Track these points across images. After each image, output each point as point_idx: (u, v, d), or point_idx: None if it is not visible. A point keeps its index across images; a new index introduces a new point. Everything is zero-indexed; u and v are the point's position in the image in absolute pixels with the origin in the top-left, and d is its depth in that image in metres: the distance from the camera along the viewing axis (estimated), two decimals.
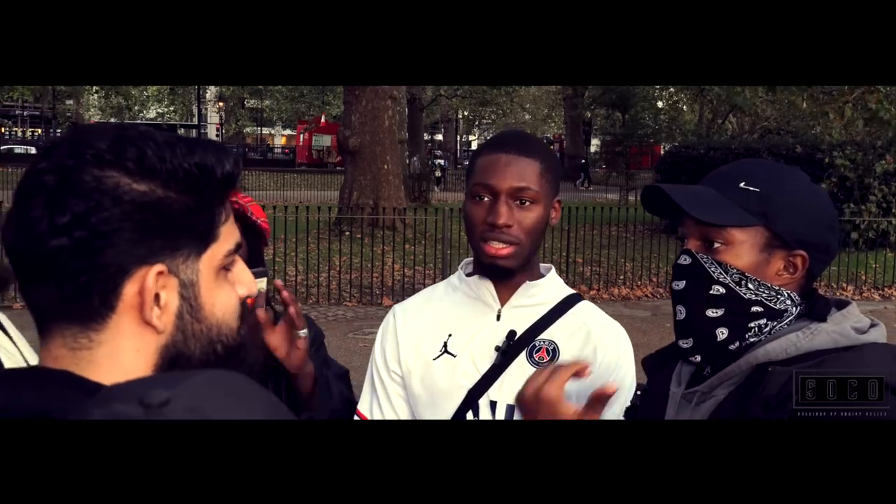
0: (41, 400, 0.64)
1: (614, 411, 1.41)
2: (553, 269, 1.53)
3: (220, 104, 45.34)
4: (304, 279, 9.66)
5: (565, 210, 9.51)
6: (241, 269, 0.78)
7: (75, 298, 0.68)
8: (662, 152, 22.77)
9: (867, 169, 12.28)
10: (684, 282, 1.14)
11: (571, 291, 1.53)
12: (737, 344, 1.12)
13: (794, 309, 1.12)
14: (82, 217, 0.66)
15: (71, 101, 44.54)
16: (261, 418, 0.57)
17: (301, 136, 41.39)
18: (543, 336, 1.45)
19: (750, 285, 1.10)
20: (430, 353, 1.49)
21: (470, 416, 1.44)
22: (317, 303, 8.96)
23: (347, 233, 11.59)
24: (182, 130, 38.33)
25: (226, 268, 0.75)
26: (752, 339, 1.12)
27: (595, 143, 41.13)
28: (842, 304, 1.13)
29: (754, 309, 1.11)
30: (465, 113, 43.56)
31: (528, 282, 1.47)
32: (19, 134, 50.17)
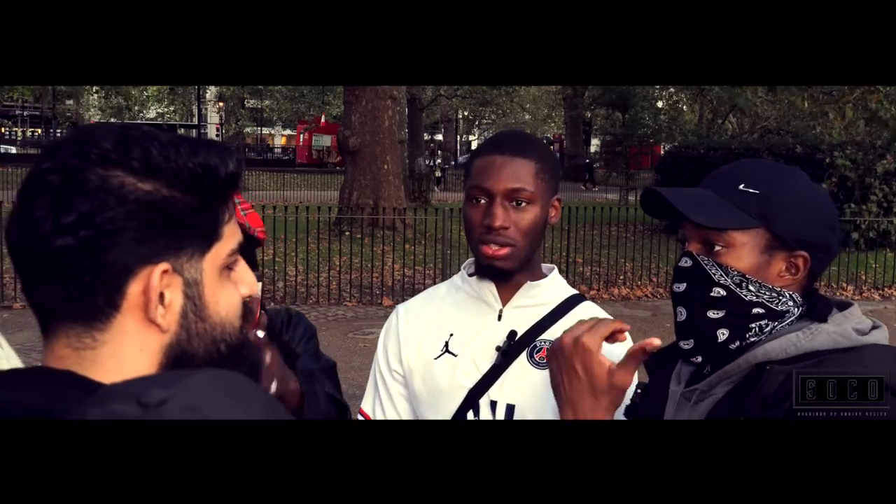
0: (43, 400, 0.64)
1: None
2: (555, 270, 1.53)
3: (220, 104, 45.29)
4: (304, 279, 9.65)
5: (565, 210, 9.51)
6: (243, 268, 0.78)
7: (80, 298, 0.68)
8: (662, 152, 22.76)
9: (868, 169, 12.28)
10: (685, 284, 1.14)
11: (574, 292, 1.53)
12: (737, 343, 1.12)
13: (796, 310, 1.12)
14: (87, 216, 0.66)
15: (71, 101, 44.50)
16: (259, 418, 0.57)
17: (301, 136, 41.39)
18: (544, 336, 1.45)
19: (751, 287, 1.10)
20: (432, 352, 1.49)
21: (470, 415, 1.44)
22: (317, 303, 8.96)
23: (347, 233, 11.59)
24: (182, 130, 38.31)
25: (228, 267, 0.75)
26: (752, 339, 1.12)
27: (595, 143, 41.13)
28: (844, 306, 1.13)
29: (755, 310, 1.11)
30: (465, 113, 43.55)
31: (529, 282, 1.47)
32: (19, 134, 50.17)
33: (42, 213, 0.66)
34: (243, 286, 0.77)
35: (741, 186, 1.11)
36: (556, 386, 1.11)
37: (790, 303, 1.12)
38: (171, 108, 44.75)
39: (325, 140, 37.93)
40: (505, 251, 1.39)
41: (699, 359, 1.16)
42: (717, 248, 1.11)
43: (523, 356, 1.44)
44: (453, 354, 1.47)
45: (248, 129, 47.16)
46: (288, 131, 52.78)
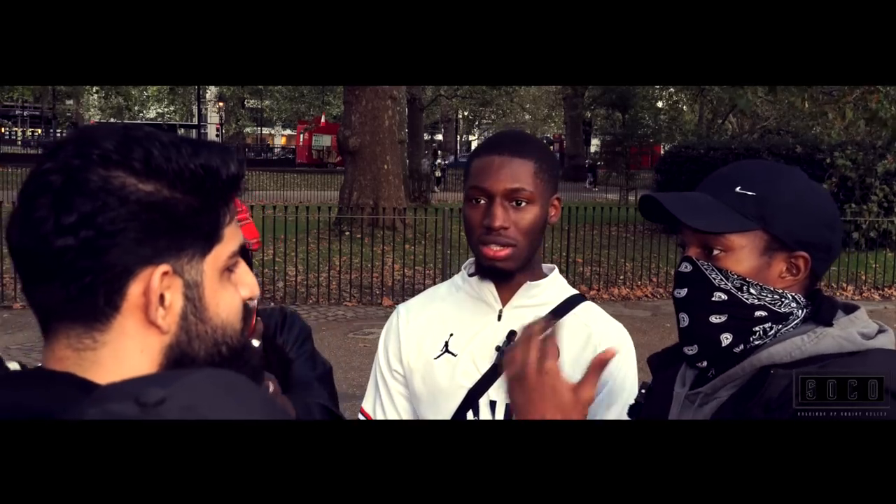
0: (43, 402, 0.64)
1: (616, 412, 1.41)
2: (556, 270, 1.53)
3: (220, 104, 45.31)
4: (304, 279, 9.65)
5: (565, 210, 9.51)
6: (243, 270, 0.78)
7: (80, 298, 0.68)
8: (662, 152, 22.76)
9: (868, 169, 12.28)
10: (686, 289, 1.14)
11: (574, 292, 1.53)
12: (741, 347, 1.12)
13: (800, 311, 1.12)
14: (88, 217, 0.66)
15: (71, 101, 44.51)
16: (258, 418, 0.57)
17: (301, 136, 41.38)
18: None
19: (752, 290, 1.10)
20: (432, 352, 1.50)
21: (470, 415, 1.44)
22: (317, 303, 8.96)
23: (347, 233, 11.59)
24: (182, 130, 38.32)
25: (229, 269, 0.75)
26: (756, 342, 1.12)
27: (595, 143, 41.11)
28: (850, 309, 1.12)
29: (758, 313, 1.10)
30: (465, 113, 43.56)
31: (529, 282, 1.47)
32: (19, 134, 50.16)
33: (43, 213, 0.66)
34: (244, 288, 0.77)
35: (738, 189, 1.11)
36: (525, 414, 1.10)
37: (793, 304, 1.11)
38: (171, 108, 44.76)
39: (325, 140, 37.93)
40: (505, 251, 1.39)
41: (704, 363, 1.16)
42: (716, 251, 1.11)
43: None
44: (453, 354, 1.48)
45: (248, 129, 47.19)
46: (288, 131, 52.78)
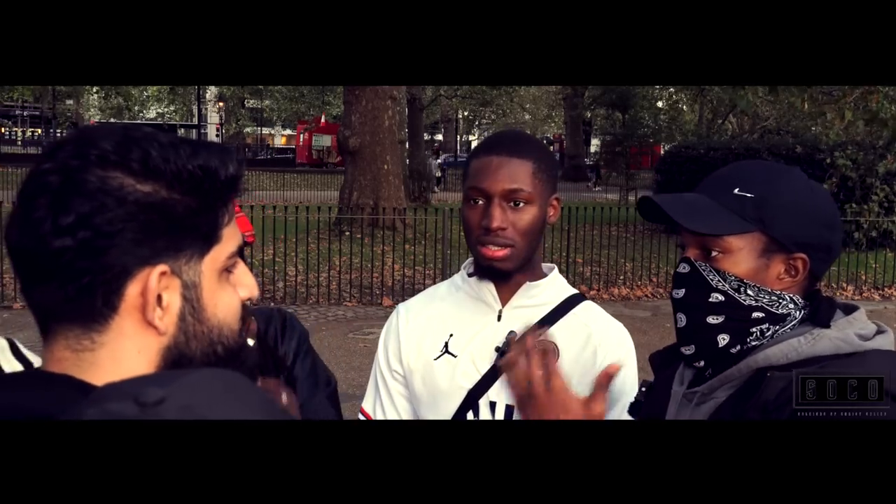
0: (42, 404, 0.64)
1: (616, 412, 1.41)
2: (556, 269, 1.53)
3: (220, 104, 45.33)
4: (304, 279, 9.65)
5: (565, 210, 9.51)
6: (242, 271, 0.78)
7: (78, 299, 0.68)
8: (662, 152, 22.76)
9: (868, 169, 12.28)
10: (684, 290, 1.14)
11: (574, 292, 1.53)
12: (738, 348, 1.12)
13: (798, 312, 1.12)
14: (86, 217, 0.66)
15: (71, 101, 44.51)
16: (257, 417, 0.57)
17: (301, 136, 41.38)
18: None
19: (749, 291, 1.10)
20: (432, 352, 1.49)
21: (470, 416, 1.44)
22: (317, 303, 8.96)
23: (347, 233, 11.59)
24: (182, 130, 38.33)
25: (228, 269, 0.75)
26: (753, 343, 1.11)
27: (595, 143, 41.10)
28: (849, 309, 1.12)
29: (755, 315, 1.10)
30: (465, 113, 43.55)
31: (528, 282, 1.47)
32: (19, 134, 50.16)
33: (41, 213, 0.66)
34: (243, 289, 0.77)
35: (736, 190, 1.11)
36: None
37: (791, 305, 1.11)
38: (171, 108, 44.76)
39: (325, 140, 37.93)
40: (504, 252, 1.39)
41: (701, 363, 1.16)
42: (715, 253, 1.11)
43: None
44: (453, 355, 1.47)
45: (248, 129, 47.18)
46: (288, 131, 52.78)
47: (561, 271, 1.58)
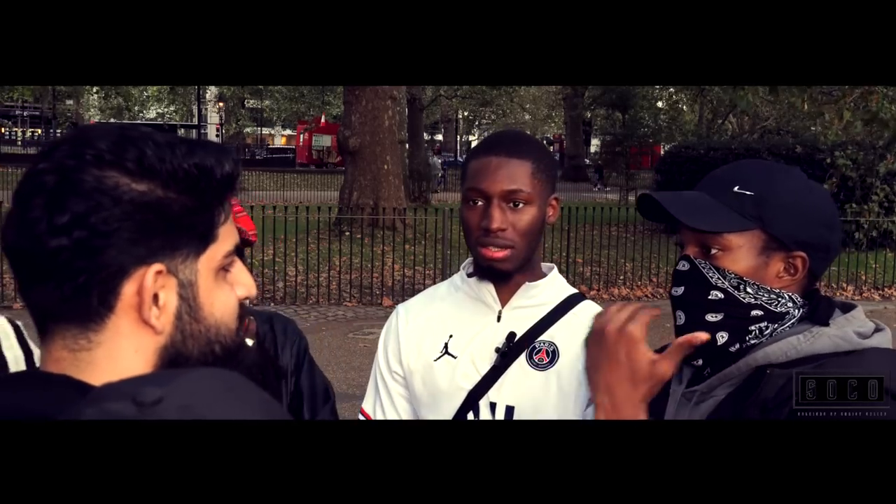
0: (40, 405, 0.64)
1: None
2: (555, 269, 1.53)
3: (220, 104, 45.30)
4: (304, 279, 9.65)
5: (565, 210, 9.51)
6: (239, 270, 0.78)
7: (75, 298, 0.68)
8: (662, 152, 22.76)
9: (869, 168, 12.28)
10: (683, 288, 1.14)
11: (573, 291, 1.53)
12: (737, 346, 1.12)
13: (797, 311, 1.12)
14: (82, 217, 0.66)
15: (71, 101, 44.51)
16: (256, 417, 0.57)
17: (301, 136, 41.36)
18: (543, 337, 1.45)
19: (749, 289, 1.10)
20: (432, 353, 1.49)
21: (470, 417, 1.44)
22: (317, 303, 8.96)
23: (347, 233, 11.59)
24: (182, 130, 38.32)
25: (224, 268, 0.75)
26: (752, 342, 1.12)
27: (595, 143, 41.11)
28: (847, 308, 1.12)
29: (754, 313, 1.10)
30: (465, 113, 43.55)
31: (528, 283, 1.47)
32: (19, 134, 50.15)
33: (37, 213, 0.66)
34: (240, 288, 0.77)
35: (736, 188, 1.11)
36: (594, 371, 1.12)
37: (789, 304, 1.11)
38: (172, 108, 44.76)
39: (325, 140, 37.92)
40: (504, 253, 1.39)
41: (700, 362, 1.16)
42: (714, 251, 1.11)
43: (522, 358, 1.44)
44: (453, 356, 1.47)
45: (248, 129, 47.16)
46: (288, 131, 52.78)
47: (561, 271, 1.57)
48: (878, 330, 1.10)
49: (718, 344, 1.11)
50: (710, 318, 1.11)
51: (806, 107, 8.41)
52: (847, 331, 1.08)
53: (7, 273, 8.61)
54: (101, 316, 0.69)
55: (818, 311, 1.11)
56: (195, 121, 42.23)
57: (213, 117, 47.95)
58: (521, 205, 1.39)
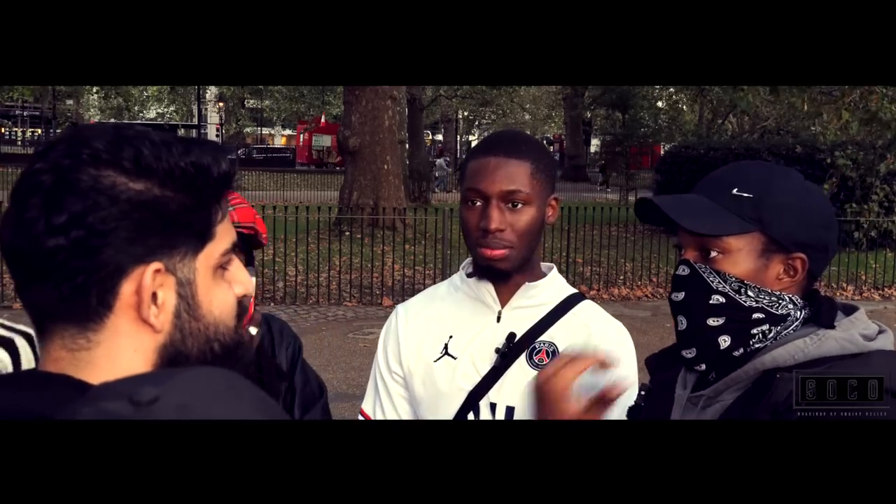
0: (39, 405, 0.64)
1: (616, 413, 1.41)
2: (554, 269, 1.53)
3: (220, 104, 45.31)
4: (304, 279, 9.65)
5: (565, 210, 9.52)
6: (237, 268, 0.78)
7: (73, 298, 0.68)
8: (662, 152, 22.76)
9: (869, 168, 12.27)
10: (683, 293, 1.13)
11: (573, 291, 1.53)
12: (741, 350, 1.11)
13: (798, 313, 1.12)
14: (79, 216, 0.66)
15: (71, 101, 44.51)
16: (252, 416, 0.57)
17: (301, 136, 41.37)
18: (543, 338, 1.45)
19: (750, 292, 1.10)
20: (431, 354, 1.49)
21: (471, 417, 1.44)
22: (317, 303, 8.96)
23: (347, 233, 11.59)
24: (182, 130, 38.32)
25: (223, 266, 0.75)
26: (757, 345, 1.11)
27: (595, 143, 41.11)
28: (850, 310, 1.12)
29: (756, 316, 1.10)
30: (465, 113, 43.54)
31: (527, 283, 1.47)
32: (19, 134, 50.14)
33: (34, 213, 0.66)
34: (238, 286, 0.77)
35: (734, 191, 1.11)
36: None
37: (790, 306, 1.11)
38: (172, 108, 44.76)
39: (325, 140, 37.92)
40: (503, 253, 1.39)
41: (703, 367, 1.15)
42: (714, 254, 1.10)
43: (522, 358, 1.44)
44: (452, 357, 1.47)
45: (248, 129, 47.17)
46: (288, 131, 52.77)
47: (561, 271, 1.57)
48: (881, 332, 1.10)
49: (721, 348, 1.11)
50: (711, 322, 1.11)
51: (806, 107, 8.40)
52: (853, 333, 1.08)
53: (7, 273, 8.62)
54: (99, 315, 0.69)
55: (823, 313, 1.11)
56: (195, 121, 42.22)
57: (213, 117, 47.94)
58: (519, 205, 1.38)
